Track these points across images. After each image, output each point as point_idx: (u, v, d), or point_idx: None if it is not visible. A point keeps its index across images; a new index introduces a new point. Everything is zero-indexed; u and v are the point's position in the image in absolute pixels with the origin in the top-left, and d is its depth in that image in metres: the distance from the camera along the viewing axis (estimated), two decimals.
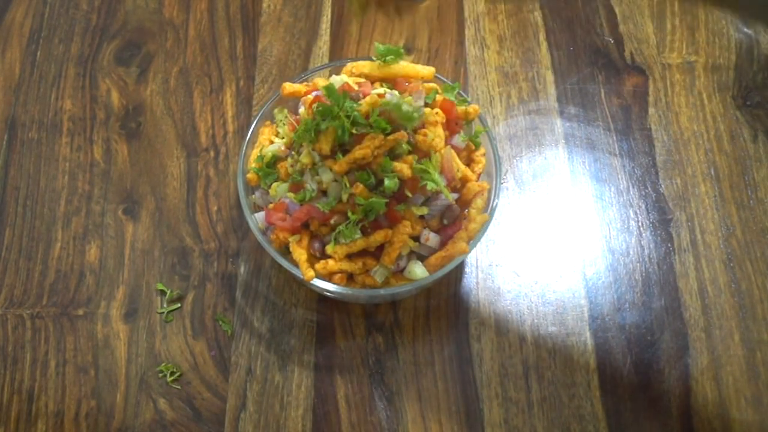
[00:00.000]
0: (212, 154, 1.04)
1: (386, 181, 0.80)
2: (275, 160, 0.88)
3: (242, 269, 0.97)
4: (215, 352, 0.92)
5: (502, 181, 1.00)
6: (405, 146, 0.81)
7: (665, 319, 0.93)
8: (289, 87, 0.90)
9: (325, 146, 0.81)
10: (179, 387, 0.91)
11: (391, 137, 0.81)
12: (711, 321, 0.93)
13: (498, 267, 0.97)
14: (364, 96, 0.84)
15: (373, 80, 0.90)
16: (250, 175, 0.88)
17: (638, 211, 0.99)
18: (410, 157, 0.81)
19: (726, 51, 1.11)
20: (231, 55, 1.11)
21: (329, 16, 1.14)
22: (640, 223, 0.99)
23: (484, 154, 0.91)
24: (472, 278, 0.96)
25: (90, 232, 0.99)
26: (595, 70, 1.09)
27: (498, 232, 0.99)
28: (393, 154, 0.82)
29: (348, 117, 0.80)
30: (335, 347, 0.92)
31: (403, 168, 0.80)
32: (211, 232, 0.99)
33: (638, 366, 0.91)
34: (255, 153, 0.89)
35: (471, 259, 0.97)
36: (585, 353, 0.92)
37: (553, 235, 0.99)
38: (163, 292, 0.95)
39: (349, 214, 0.81)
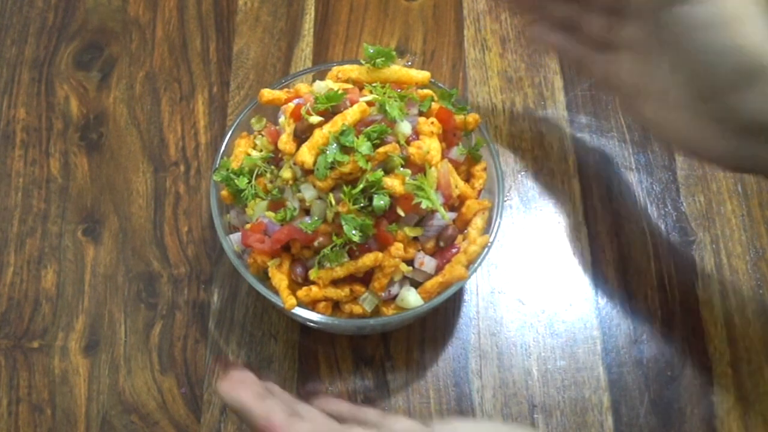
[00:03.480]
0: (182, 168, 1.06)
1: (375, 200, 0.80)
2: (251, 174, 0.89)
3: (216, 297, 0.98)
4: (186, 389, 0.94)
5: (506, 199, 1.01)
6: (397, 159, 0.82)
7: (687, 352, 0.95)
8: (267, 94, 0.90)
9: (308, 159, 0.82)
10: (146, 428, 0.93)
11: (381, 150, 0.81)
12: (738, 354, 0.95)
13: (501, 294, 0.99)
14: (352, 104, 0.85)
15: (361, 86, 0.90)
16: (224, 192, 0.89)
17: (657, 232, 1.01)
18: (403, 172, 0.82)
19: None
20: (203, 58, 1.13)
21: (312, 15, 1.16)
22: (659, 245, 1.01)
23: (485, 169, 0.92)
24: (471, 307, 0.98)
25: (46, 256, 1.01)
26: None
27: (501, 256, 1.00)
28: (384, 168, 0.82)
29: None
30: (319, 383, 0.94)
31: (395, 184, 0.81)
32: (180, 256, 1.01)
33: (657, 405, 0.93)
34: (233, 166, 0.89)
35: (470, 285, 0.99)
36: (598, 390, 0.94)
37: (562, 259, 1.01)
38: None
39: (334, 237, 0.82)
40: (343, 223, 0.80)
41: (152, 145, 1.07)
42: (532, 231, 1.02)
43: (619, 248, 1.00)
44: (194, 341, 0.96)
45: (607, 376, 0.94)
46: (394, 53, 0.91)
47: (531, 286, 0.99)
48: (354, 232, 0.80)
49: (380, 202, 0.80)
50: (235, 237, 0.88)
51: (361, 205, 0.81)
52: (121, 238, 1.01)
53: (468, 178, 0.92)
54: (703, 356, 0.95)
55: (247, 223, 0.87)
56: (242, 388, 0.74)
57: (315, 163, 0.81)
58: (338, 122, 0.82)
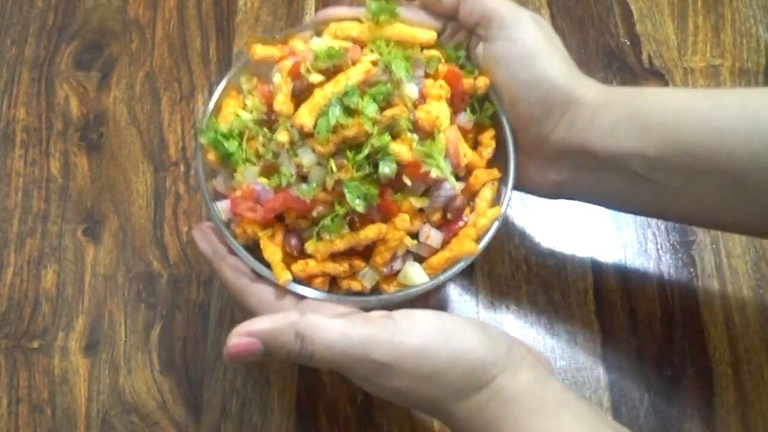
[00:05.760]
0: (182, 168, 1.06)
1: (381, 167, 0.75)
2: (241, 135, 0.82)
3: (216, 296, 0.99)
4: (186, 389, 0.94)
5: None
6: (405, 123, 0.77)
7: (687, 352, 0.95)
8: (260, 50, 0.84)
9: (308, 120, 0.76)
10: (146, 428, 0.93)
11: (388, 112, 0.76)
12: (738, 354, 0.95)
13: (501, 294, 0.99)
14: (354, 63, 0.79)
15: (362, 44, 0.84)
16: (210, 155, 0.82)
17: (657, 232, 1.02)
18: (410, 137, 0.77)
19: (755, 53, 1.13)
20: (203, 58, 1.13)
21: (313, 15, 1.16)
22: (659, 246, 1.01)
23: (494, 137, 0.86)
24: (471, 307, 0.98)
25: (46, 256, 1.01)
26: (610, 75, 1.12)
27: (501, 255, 1.01)
28: (390, 133, 0.77)
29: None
30: (319, 379, 0.94)
31: (402, 150, 0.76)
32: (180, 255, 1.01)
33: (657, 405, 0.93)
34: (221, 128, 0.83)
35: (470, 285, 0.99)
36: (598, 390, 0.94)
37: (561, 259, 1.01)
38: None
39: (336, 206, 0.76)
40: (345, 190, 0.75)
41: (152, 145, 1.07)
42: (531, 231, 1.02)
43: (619, 249, 1.01)
44: (194, 341, 0.96)
45: (607, 376, 0.94)
46: (398, 11, 0.84)
47: (531, 286, 0.99)
48: (357, 201, 0.75)
49: (386, 169, 0.75)
50: (222, 205, 0.81)
51: (366, 172, 0.75)
52: (121, 238, 1.02)
53: (475, 146, 0.87)
54: (703, 356, 0.95)
55: (236, 189, 0.80)
56: (214, 240, 0.82)
57: (315, 125, 0.76)
58: (341, 81, 0.77)
